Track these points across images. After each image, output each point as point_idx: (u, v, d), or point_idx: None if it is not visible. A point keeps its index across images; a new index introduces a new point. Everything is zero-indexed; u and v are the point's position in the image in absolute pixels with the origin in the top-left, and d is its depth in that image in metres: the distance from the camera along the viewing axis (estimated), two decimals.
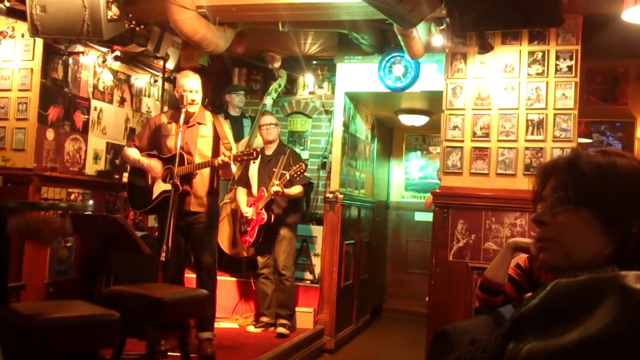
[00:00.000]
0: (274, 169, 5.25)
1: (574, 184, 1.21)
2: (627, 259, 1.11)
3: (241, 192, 5.43)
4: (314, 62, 6.57)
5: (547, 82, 4.18)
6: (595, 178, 1.19)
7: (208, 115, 4.51)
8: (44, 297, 4.63)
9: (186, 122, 4.22)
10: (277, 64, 6.37)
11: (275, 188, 5.03)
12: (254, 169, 5.37)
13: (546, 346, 0.83)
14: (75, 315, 2.70)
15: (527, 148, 4.18)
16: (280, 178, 5.13)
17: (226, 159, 4.15)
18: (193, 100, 4.30)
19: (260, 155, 5.33)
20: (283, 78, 6.56)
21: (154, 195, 4.32)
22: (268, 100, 6.41)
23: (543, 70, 4.19)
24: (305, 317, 5.52)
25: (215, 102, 6.64)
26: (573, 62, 4.15)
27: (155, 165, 4.34)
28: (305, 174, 5.14)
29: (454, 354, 1.12)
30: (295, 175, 5.02)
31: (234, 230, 5.80)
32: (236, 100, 6.38)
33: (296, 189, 5.20)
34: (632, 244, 1.14)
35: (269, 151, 5.38)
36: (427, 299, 4.43)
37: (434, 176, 7.24)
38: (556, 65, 4.17)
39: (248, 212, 5.22)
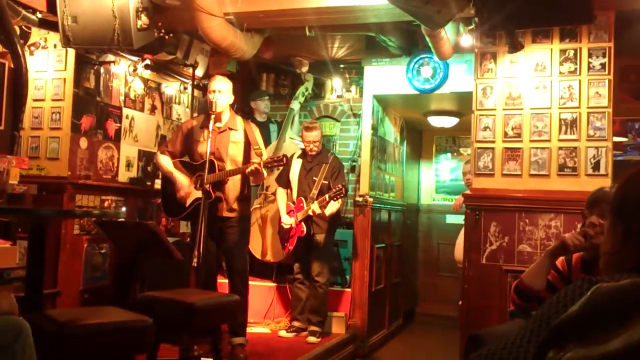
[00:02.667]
0: (314, 178, 5.20)
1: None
2: None
3: (281, 194, 5.39)
4: (342, 65, 6.55)
5: (579, 81, 4.10)
6: (625, 184, 1.21)
7: (239, 120, 4.52)
8: (79, 304, 4.70)
9: (215, 125, 4.23)
10: (304, 69, 6.37)
11: (316, 210, 5.00)
12: (294, 171, 5.33)
13: (589, 354, 0.80)
14: (109, 321, 2.72)
15: (560, 148, 4.10)
16: (318, 195, 5.08)
17: (256, 167, 4.15)
18: (215, 101, 4.29)
19: (302, 160, 5.32)
20: (310, 82, 6.55)
21: (188, 203, 4.34)
22: (295, 105, 6.41)
23: (575, 69, 4.12)
24: (337, 321, 5.50)
25: (244, 108, 6.68)
26: (606, 60, 4.06)
27: (184, 183, 4.36)
28: (345, 196, 5.09)
29: (478, 352, 1.10)
30: (334, 198, 4.98)
31: (263, 233, 5.81)
32: (262, 107, 6.40)
33: (335, 206, 5.15)
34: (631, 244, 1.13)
35: (311, 158, 5.33)
36: (460, 302, 4.38)
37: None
38: (589, 63, 4.09)
39: (287, 224, 5.19)
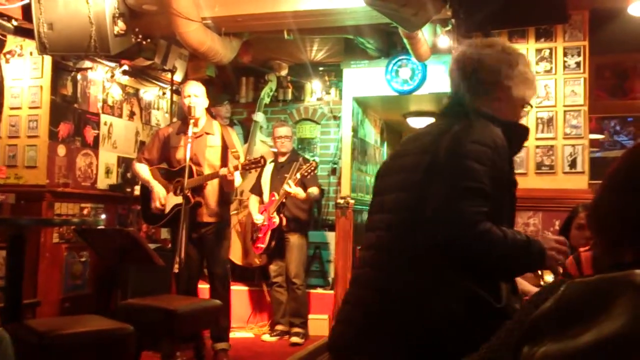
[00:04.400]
0: (285, 175, 5.24)
1: None
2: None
3: (253, 200, 5.43)
4: (321, 68, 6.56)
5: (555, 80, 4.16)
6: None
7: (216, 124, 4.51)
8: (60, 313, 4.65)
9: (192, 130, 4.20)
10: (284, 72, 6.39)
11: (291, 187, 4.99)
12: (266, 175, 5.37)
13: (561, 348, 0.81)
14: (90, 330, 2.70)
15: (537, 146, 4.15)
16: (291, 178, 5.12)
17: (232, 170, 4.12)
18: (194, 106, 4.26)
19: (273, 163, 5.35)
20: (273, 82, 6.54)
21: (167, 209, 4.32)
22: (259, 117, 6.36)
23: (551, 68, 4.17)
24: (320, 324, 5.50)
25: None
26: (581, 58, 4.12)
27: (160, 194, 4.32)
28: (316, 172, 5.13)
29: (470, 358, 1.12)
30: (306, 174, 5.01)
31: (244, 240, 5.81)
32: (223, 112, 6.37)
33: (314, 190, 5.18)
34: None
35: (282, 158, 5.38)
36: None
37: None
38: (564, 62, 4.15)
39: (259, 219, 5.22)
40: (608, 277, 0.84)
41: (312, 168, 5.03)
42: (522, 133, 1.90)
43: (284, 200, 5.14)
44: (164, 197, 4.30)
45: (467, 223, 1.62)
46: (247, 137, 6.28)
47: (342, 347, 1.84)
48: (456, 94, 1.92)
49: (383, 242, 1.81)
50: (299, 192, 5.06)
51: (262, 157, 4.29)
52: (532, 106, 1.99)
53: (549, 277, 1.98)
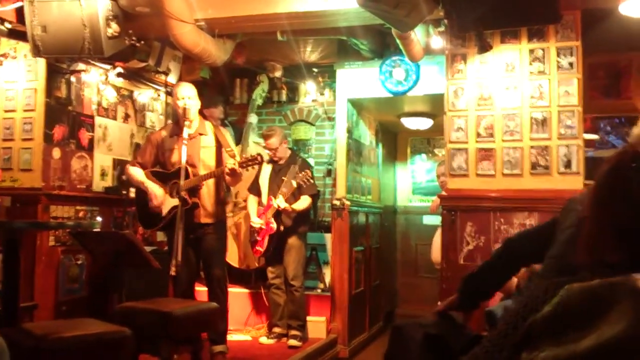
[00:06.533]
0: (283, 178, 5.24)
1: None
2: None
3: (252, 201, 5.41)
4: (315, 69, 6.56)
5: (549, 80, 4.16)
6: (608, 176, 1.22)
7: (209, 125, 4.51)
8: (57, 316, 4.64)
9: (188, 133, 4.20)
10: (278, 73, 6.38)
11: (281, 205, 5.02)
12: (264, 176, 5.36)
13: (562, 353, 0.82)
14: (87, 333, 2.70)
15: (532, 147, 4.16)
16: (288, 187, 5.12)
17: (233, 166, 4.12)
18: (189, 107, 4.27)
19: (271, 164, 5.34)
20: (265, 82, 6.53)
21: (164, 212, 4.29)
22: (253, 118, 6.35)
23: (544, 68, 4.18)
24: (317, 326, 5.50)
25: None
26: (574, 58, 4.13)
27: (157, 192, 4.30)
28: (312, 180, 5.13)
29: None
30: (302, 183, 5.01)
31: (241, 243, 5.80)
32: (217, 113, 6.34)
33: (304, 202, 5.18)
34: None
35: (280, 161, 5.37)
36: (439, 303, 4.41)
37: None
38: (557, 62, 4.15)
39: (257, 223, 5.21)
40: (607, 282, 0.84)
41: (308, 177, 5.02)
42: None
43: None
44: (161, 195, 4.28)
45: None
46: (239, 138, 6.26)
47: None
48: None
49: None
50: (288, 207, 5.07)
51: (259, 154, 4.28)
52: None
53: None
